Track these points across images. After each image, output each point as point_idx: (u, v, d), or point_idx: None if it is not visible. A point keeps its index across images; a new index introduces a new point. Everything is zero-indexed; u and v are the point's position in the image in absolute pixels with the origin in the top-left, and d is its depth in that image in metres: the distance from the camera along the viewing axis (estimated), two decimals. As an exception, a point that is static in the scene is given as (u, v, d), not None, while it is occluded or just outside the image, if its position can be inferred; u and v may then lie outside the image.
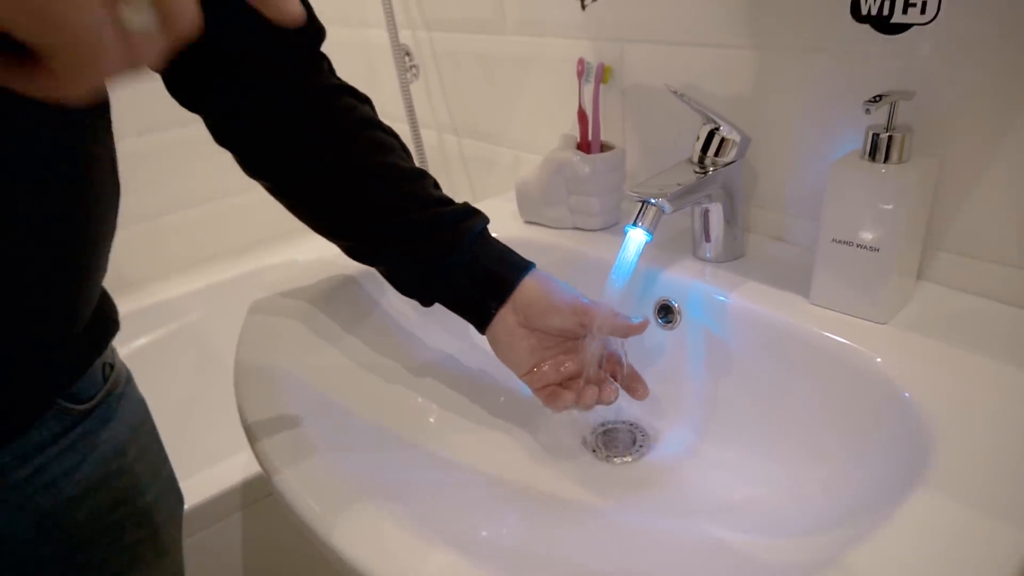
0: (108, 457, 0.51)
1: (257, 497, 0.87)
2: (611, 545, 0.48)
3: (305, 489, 0.43)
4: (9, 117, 0.36)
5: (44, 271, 0.42)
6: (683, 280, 0.63)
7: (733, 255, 0.66)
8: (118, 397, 0.53)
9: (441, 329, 0.69)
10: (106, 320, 0.51)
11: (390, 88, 1.12)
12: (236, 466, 0.86)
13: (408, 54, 1.08)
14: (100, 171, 0.44)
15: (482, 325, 0.57)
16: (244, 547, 0.88)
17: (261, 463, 0.47)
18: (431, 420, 0.62)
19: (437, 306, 0.59)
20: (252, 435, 0.50)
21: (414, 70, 1.09)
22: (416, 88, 1.10)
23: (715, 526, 0.48)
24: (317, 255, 1.42)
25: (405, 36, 1.07)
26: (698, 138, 0.61)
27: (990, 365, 0.47)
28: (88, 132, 0.42)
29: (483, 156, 1.05)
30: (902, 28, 0.53)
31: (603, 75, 0.74)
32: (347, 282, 0.71)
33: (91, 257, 0.46)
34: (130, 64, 0.21)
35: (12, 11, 0.19)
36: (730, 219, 0.64)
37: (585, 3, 0.76)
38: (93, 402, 0.50)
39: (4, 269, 0.39)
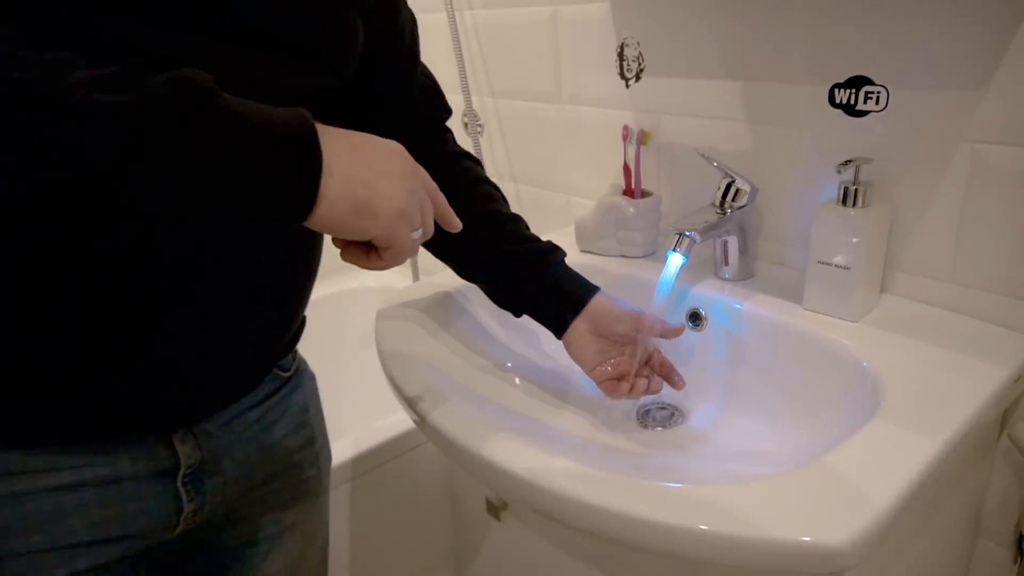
0: (298, 411, 0.71)
1: (355, 475, 1.07)
2: (661, 471, 0.68)
3: (454, 424, 0.63)
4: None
5: (289, 297, 0.63)
6: (708, 294, 0.83)
7: (745, 275, 0.85)
8: (302, 372, 0.73)
9: (514, 332, 0.88)
10: (303, 318, 0.72)
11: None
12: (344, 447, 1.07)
13: (475, 114, 1.31)
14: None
15: (559, 332, 0.73)
16: (351, 512, 1.08)
17: (417, 412, 0.67)
18: (517, 396, 0.82)
19: (507, 313, 0.76)
20: (406, 395, 0.69)
21: (479, 128, 1.31)
22: (481, 141, 1.32)
23: (734, 464, 0.68)
24: (387, 282, 1.61)
25: (474, 100, 1.30)
26: (719, 188, 0.81)
27: (925, 347, 0.67)
28: None
29: (537, 199, 1.26)
30: (864, 113, 0.74)
31: (643, 138, 0.95)
32: (445, 296, 0.91)
33: (312, 282, 0.67)
34: (412, 253, 0.49)
35: (383, 238, 0.47)
36: (743, 248, 0.83)
37: (629, 83, 0.98)
38: (290, 372, 0.70)
39: (269, 300, 0.60)
